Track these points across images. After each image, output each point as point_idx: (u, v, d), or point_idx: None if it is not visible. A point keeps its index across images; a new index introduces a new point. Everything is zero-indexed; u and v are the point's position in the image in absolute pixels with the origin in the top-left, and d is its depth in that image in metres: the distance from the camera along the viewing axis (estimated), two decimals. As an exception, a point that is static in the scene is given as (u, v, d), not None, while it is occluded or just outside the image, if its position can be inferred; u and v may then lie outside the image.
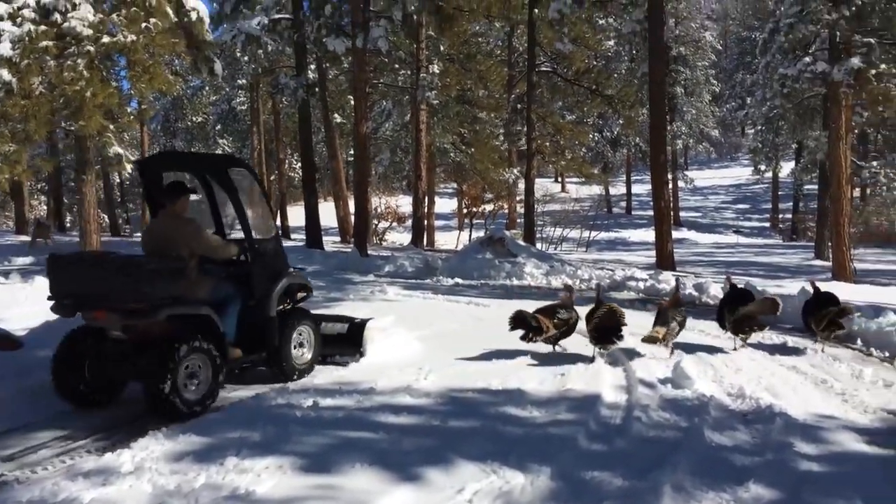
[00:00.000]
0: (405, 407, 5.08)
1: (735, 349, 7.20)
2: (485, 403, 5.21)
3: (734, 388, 5.62)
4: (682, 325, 6.98)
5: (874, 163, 26.58)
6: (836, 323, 6.97)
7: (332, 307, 9.86)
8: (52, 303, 5.32)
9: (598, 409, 5.05)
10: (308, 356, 6.24)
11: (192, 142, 40.60)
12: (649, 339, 6.57)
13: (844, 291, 11.56)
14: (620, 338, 6.56)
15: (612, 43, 34.12)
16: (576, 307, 7.08)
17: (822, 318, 7.00)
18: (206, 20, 11.47)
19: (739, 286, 8.18)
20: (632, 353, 6.85)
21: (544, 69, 27.33)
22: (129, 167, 13.02)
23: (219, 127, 39.30)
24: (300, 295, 6.44)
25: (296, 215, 30.35)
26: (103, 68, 10.33)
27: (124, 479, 3.82)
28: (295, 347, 6.12)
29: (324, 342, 6.51)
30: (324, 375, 6.04)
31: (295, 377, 5.99)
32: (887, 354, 6.96)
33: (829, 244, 19.32)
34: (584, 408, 5.06)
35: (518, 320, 6.75)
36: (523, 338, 6.75)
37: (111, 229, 31.11)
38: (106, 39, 10.07)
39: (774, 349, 7.27)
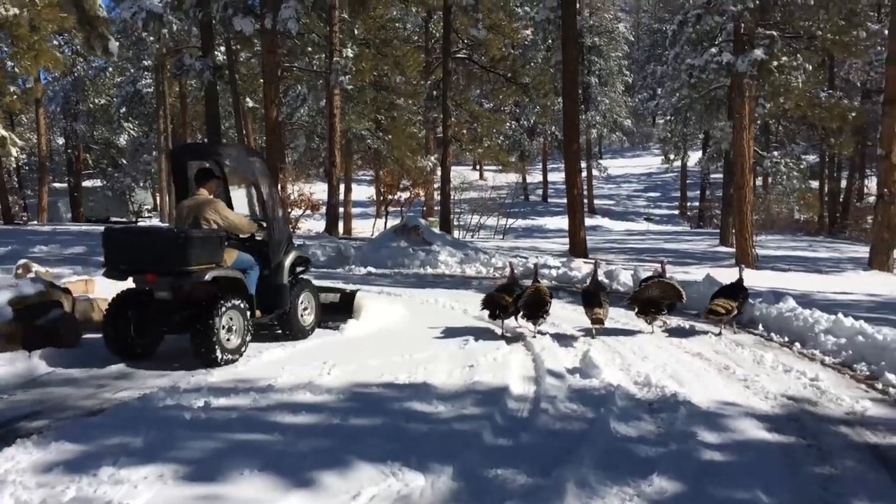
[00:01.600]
0: (304, 405, 4.82)
1: (645, 332, 7.30)
2: (389, 399, 5.01)
3: (641, 376, 5.61)
4: (609, 305, 7.51)
5: (775, 153, 27.66)
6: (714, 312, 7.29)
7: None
8: (104, 269, 6.27)
9: (505, 402, 4.92)
10: (311, 319, 7.32)
11: (94, 125, 38.59)
12: (597, 321, 7.10)
13: (746, 277, 11.92)
14: (547, 313, 7.19)
15: (528, 32, 34.34)
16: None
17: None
18: (99, -6, 10.75)
19: (648, 273, 8.27)
20: (542, 342, 6.79)
21: (461, 56, 27.23)
22: (15, 151, 12.10)
23: (123, 110, 37.45)
24: (299, 269, 7.43)
25: (206, 202, 29.35)
26: (-17, 44, 9.52)
27: (-18, 495, 3.44)
28: (301, 311, 7.17)
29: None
30: (220, 373, 5.70)
31: (300, 337, 7.05)
32: (787, 339, 7.13)
33: (733, 231, 19.98)
34: (491, 401, 4.91)
35: (490, 301, 7.25)
36: (491, 315, 7.25)
37: (3, 216, 29.13)
38: (-14, 12, 9.28)
39: (680, 335, 7.36)
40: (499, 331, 7.34)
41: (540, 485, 3.60)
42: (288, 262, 7.04)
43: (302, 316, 7.19)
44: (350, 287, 8.51)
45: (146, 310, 6.28)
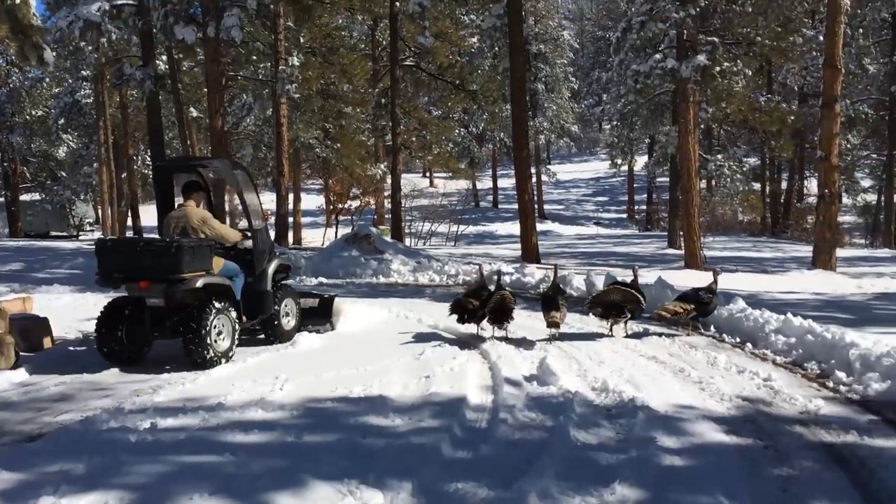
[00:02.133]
0: (256, 423, 4.65)
1: (603, 336, 7.35)
2: (344, 413, 4.87)
3: (598, 381, 5.59)
4: (567, 309, 7.57)
5: (719, 156, 28.29)
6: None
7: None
8: (97, 277, 6.58)
9: (464, 413, 4.83)
10: (293, 324, 7.74)
11: (31, 137, 37.29)
12: (553, 325, 7.19)
13: (696, 279, 12.09)
14: (511, 318, 7.35)
15: (474, 40, 34.49)
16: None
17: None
18: (33, 2, 10.32)
19: (601, 277, 8.31)
20: (498, 350, 6.74)
21: (408, 63, 27.16)
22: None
23: (62, 121, 36.29)
24: (280, 276, 7.76)
25: (149, 215, 28.61)
26: None
27: None
28: (283, 316, 7.58)
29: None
30: (167, 391, 5.48)
31: (283, 340, 7.41)
32: (738, 340, 7.22)
33: (681, 234, 20.32)
34: (448, 412, 4.82)
35: (458, 306, 7.48)
36: (459, 320, 7.45)
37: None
38: (-90, 21, 8.84)
39: (635, 339, 7.39)
40: (461, 333, 7.54)
41: (501, 497, 3.52)
42: (271, 269, 7.47)
43: (284, 321, 7.61)
44: (328, 293, 8.98)
45: (137, 317, 6.61)
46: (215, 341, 6.37)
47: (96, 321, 6.58)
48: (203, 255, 6.46)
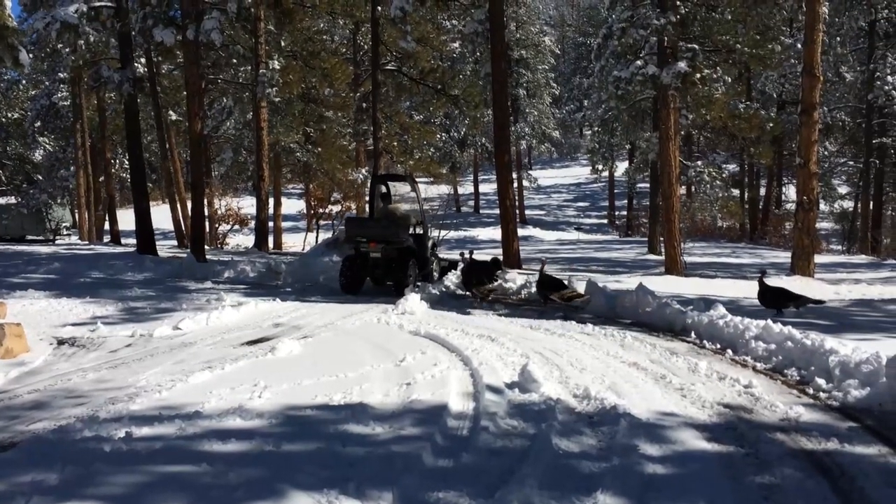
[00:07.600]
0: (234, 431, 4.57)
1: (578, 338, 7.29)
2: (324, 421, 4.81)
3: (580, 388, 5.56)
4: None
5: (698, 162, 28.47)
6: None
7: (161, 318, 9.13)
8: (345, 237, 12.65)
9: (445, 421, 4.78)
10: (437, 275, 12.86)
11: (7, 140, 36.83)
12: (482, 294, 10.64)
13: (676, 284, 12.15)
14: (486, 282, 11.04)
15: (456, 45, 34.50)
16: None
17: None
18: (8, 3, 10.16)
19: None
20: (480, 357, 6.69)
21: (390, 68, 27.09)
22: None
23: (38, 124, 35.81)
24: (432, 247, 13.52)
25: (128, 219, 28.26)
26: None
27: None
28: (434, 271, 12.86)
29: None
30: (143, 399, 5.37)
31: (430, 281, 12.37)
32: (719, 346, 7.24)
33: (661, 239, 20.40)
34: (430, 420, 4.77)
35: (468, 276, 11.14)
36: (466, 287, 11.10)
37: None
38: None
39: (615, 345, 7.38)
40: (442, 338, 7.56)
41: (484, 508, 3.48)
42: (430, 243, 13.03)
43: (434, 274, 12.85)
44: (450, 259, 14.68)
45: (361, 265, 11.90)
46: (409, 280, 11.49)
47: (341, 267, 12.02)
48: (406, 230, 11.91)
